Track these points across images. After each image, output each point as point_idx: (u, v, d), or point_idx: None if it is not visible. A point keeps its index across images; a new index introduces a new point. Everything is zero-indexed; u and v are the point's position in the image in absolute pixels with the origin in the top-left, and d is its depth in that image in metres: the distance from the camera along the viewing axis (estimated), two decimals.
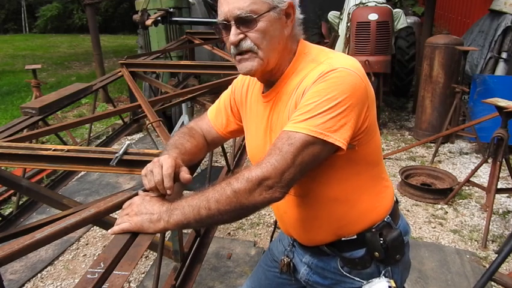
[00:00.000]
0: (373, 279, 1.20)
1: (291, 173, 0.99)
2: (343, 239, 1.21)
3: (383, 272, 1.21)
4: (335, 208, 1.18)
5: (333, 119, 0.99)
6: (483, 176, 4.08)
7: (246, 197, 0.99)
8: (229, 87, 1.41)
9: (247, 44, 1.08)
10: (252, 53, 1.09)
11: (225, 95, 1.42)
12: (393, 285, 1.18)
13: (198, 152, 1.34)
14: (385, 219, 1.22)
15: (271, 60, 1.11)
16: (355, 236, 1.20)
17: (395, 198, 1.30)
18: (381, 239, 1.19)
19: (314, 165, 1.04)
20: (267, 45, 1.08)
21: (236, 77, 1.42)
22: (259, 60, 1.09)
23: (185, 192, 3.21)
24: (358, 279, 1.22)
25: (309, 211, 1.21)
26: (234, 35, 1.08)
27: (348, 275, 1.23)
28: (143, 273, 2.87)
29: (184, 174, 1.12)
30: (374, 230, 1.20)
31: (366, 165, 1.17)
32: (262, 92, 1.22)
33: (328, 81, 1.01)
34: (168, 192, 1.08)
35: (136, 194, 1.13)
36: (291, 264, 1.37)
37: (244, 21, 1.06)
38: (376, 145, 1.18)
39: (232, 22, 1.07)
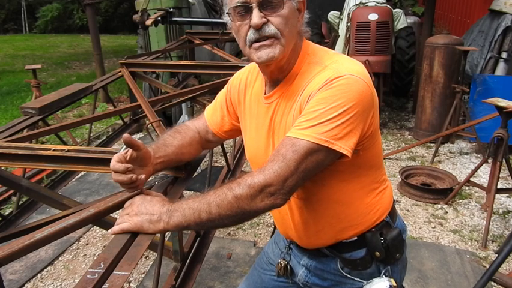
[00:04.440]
0: (373, 279, 1.20)
1: (294, 180, 0.99)
2: (343, 240, 1.21)
3: (383, 271, 1.21)
4: (337, 211, 1.17)
5: (339, 127, 0.98)
6: (483, 176, 4.08)
7: (247, 202, 0.98)
8: (226, 85, 1.39)
9: (270, 29, 1.03)
10: (275, 39, 1.05)
11: (221, 94, 1.40)
12: (394, 284, 1.18)
13: (187, 146, 1.31)
14: (385, 219, 1.22)
15: (288, 51, 1.08)
16: (355, 238, 1.20)
17: (393, 197, 1.31)
18: (382, 238, 1.19)
19: (317, 172, 1.04)
20: (289, 33, 1.06)
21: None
22: (281, 48, 1.05)
23: (185, 192, 3.21)
24: (358, 279, 1.22)
25: (311, 214, 1.20)
26: (257, 17, 1.02)
27: (348, 275, 1.23)
28: (143, 273, 2.87)
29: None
30: (374, 230, 1.20)
31: (368, 168, 1.17)
32: (264, 93, 1.20)
33: (334, 88, 0.99)
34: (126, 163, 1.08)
35: (137, 194, 1.13)
36: (288, 267, 1.36)
37: (269, 4, 1.02)
38: (378, 148, 1.18)
39: (255, 4, 1.02)
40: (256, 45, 1.06)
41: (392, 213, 1.26)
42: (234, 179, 1.03)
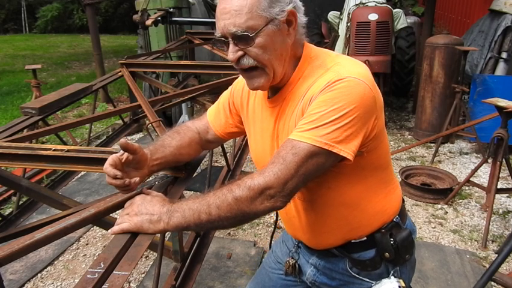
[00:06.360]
0: (382, 280, 1.19)
1: (294, 183, 0.99)
2: (353, 241, 1.20)
3: (392, 272, 1.21)
4: (345, 213, 1.17)
5: (339, 130, 0.98)
6: (483, 176, 4.08)
7: (247, 204, 0.98)
8: (229, 88, 1.39)
9: (249, 61, 1.05)
10: (258, 69, 1.06)
11: (223, 96, 1.40)
12: (403, 285, 1.18)
13: (186, 147, 1.32)
14: (394, 220, 1.22)
15: (278, 72, 1.08)
16: (365, 238, 1.20)
17: (402, 197, 1.30)
18: (392, 239, 1.18)
19: (318, 174, 1.04)
20: (270, 59, 1.05)
21: (237, 77, 1.40)
22: (266, 76, 1.07)
23: (185, 192, 3.20)
24: (367, 279, 1.21)
25: (318, 216, 1.20)
26: (232, 52, 1.04)
27: (356, 275, 1.22)
28: (143, 273, 2.87)
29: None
30: (383, 230, 1.19)
31: (375, 169, 1.17)
32: (268, 97, 1.20)
33: (335, 90, 0.99)
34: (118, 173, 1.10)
35: (137, 194, 1.13)
36: (297, 265, 1.36)
37: (241, 39, 1.02)
38: (384, 149, 1.17)
39: (230, 39, 1.04)
40: (243, 74, 1.10)
41: (402, 213, 1.25)
42: (234, 180, 1.03)
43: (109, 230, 1.06)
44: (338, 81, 1.00)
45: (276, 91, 1.17)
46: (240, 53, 1.05)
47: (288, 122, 1.12)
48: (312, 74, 1.09)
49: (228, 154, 2.45)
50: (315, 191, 1.14)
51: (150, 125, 2.18)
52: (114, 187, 1.12)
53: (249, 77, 1.09)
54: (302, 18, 1.11)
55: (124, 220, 1.06)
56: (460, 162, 4.58)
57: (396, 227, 1.21)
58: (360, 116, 0.99)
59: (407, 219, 1.28)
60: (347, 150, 0.99)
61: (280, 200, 0.99)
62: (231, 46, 1.04)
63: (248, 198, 0.98)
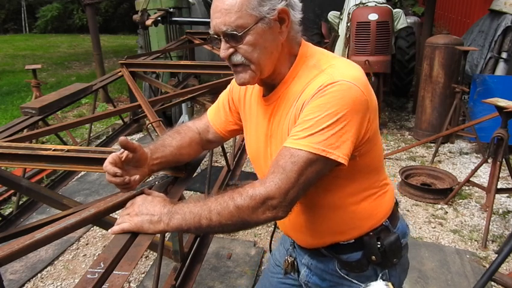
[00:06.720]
0: (371, 283, 1.19)
1: (295, 192, 0.99)
2: (341, 242, 1.21)
3: (380, 275, 1.21)
4: (335, 215, 1.18)
5: (335, 135, 0.98)
6: (483, 176, 4.08)
7: (248, 214, 0.99)
8: (228, 85, 1.40)
9: (237, 58, 1.07)
10: (244, 66, 1.08)
11: (223, 94, 1.41)
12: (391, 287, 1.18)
13: (186, 147, 1.32)
14: (383, 223, 1.22)
15: (265, 70, 1.09)
16: (353, 240, 1.20)
17: (395, 200, 1.29)
18: (379, 242, 1.19)
19: (317, 180, 1.04)
20: (259, 57, 1.06)
21: None
22: (251, 73, 1.08)
23: (185, 192, 3.20)
24: (356, 281, 1.22)
25: (308, 217, 1.20)
26: (223, 50, 1.07)
27: (346, 277, 1.23)
28: (143, 273, 2.88)
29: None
30: (371, 233, 1.19)
31: (367, 173, 1.17)
32: (263, 95, 1.20)
33: (328, 95, 0.99)
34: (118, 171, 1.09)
35: (138, 194, 1.13)
36: (295, 263, 1.36)
37: (231, 37, 1.04)
38: (377, 153, 1.17)
39: (221, 36, 1.06)
40: (232, 69, 1.12)
41: (392, 217, 1.25)
42: (235, 188, 1.03)
43: (109, 230, 1.06)
44: (330, 84, 1.00)
45: (271, 89, 1.16)
46: (231, 50, 1.06)
47: (282, 123, 1.12)
48: (306, 74, 1.09)
49: (228, 154, 2.45)
50: (307, 194, 1.14)
51: (150, 125, 2.18)
52: (114, 186, 1.12)
53: (235, 71, 1.11)
54: (297, 15, 1.10)
55: (124, 220, 1.06)
56: (460, 162, 4.58)
57: (384, 231, 1.21)
58: (354, 120, 1.00)
59: (398, 223, 1.27)
60: (343, 156, 0.99)
61: (282, 210, 1.00)
62: (223, 43, 1.06)
63: (250, 208, 0.98)
